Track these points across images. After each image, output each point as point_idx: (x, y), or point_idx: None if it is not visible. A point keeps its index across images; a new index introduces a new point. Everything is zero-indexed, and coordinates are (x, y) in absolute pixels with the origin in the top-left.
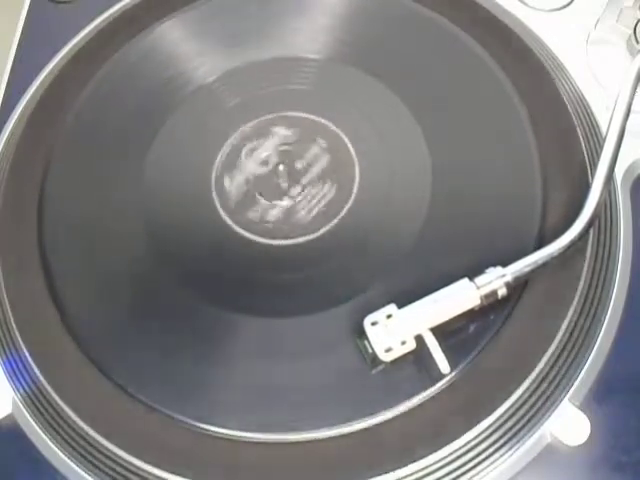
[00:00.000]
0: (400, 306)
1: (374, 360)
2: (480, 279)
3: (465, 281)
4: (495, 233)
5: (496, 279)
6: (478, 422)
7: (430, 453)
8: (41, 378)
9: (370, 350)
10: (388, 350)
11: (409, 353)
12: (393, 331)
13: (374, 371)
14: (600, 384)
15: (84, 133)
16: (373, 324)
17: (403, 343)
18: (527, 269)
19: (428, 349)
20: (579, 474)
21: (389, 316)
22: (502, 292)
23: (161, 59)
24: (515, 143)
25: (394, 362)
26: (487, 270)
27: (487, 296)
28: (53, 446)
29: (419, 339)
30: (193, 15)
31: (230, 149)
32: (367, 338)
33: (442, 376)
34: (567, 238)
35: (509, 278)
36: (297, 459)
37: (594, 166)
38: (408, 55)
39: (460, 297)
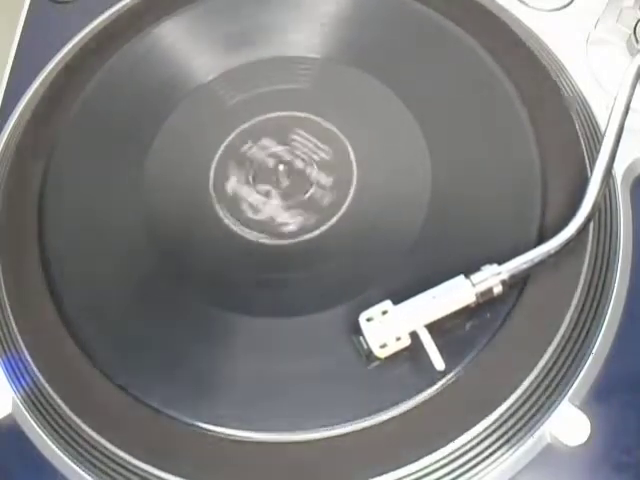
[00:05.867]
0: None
1: (369, 356)
2: (476, 276)
3: (461, 278)
4: (495, 232)
5: (492, 277)
6: (478, 422)
7: (430, 453)
8: (41, 378)
9: (365, 346)
10: (383, 346)
11: (408, 351)
12: (388, 327)
13: (369, 367)
14: (600, 384)
15: (84, 133)
16: (368, 320)
17: (398, 339)
18: (523, 267)
19: (423, 346)
20: (579, 474)
21: (384, 312)
22: (498, 290)
23: (161, 58)
24: (515, 143)
25: (393, 361)
26: (483, 267)
27: (483, 294)
28: (53, 446)
29: (415, 336)
30: (193, 15)
31: (229, 148)
32: (362, 334)
33: (441, 376)
34: (564, 236)
35: (505, 276)
36: (297, 459)
37: (594, 165)
38: (408, 55)
39: (455, 294)
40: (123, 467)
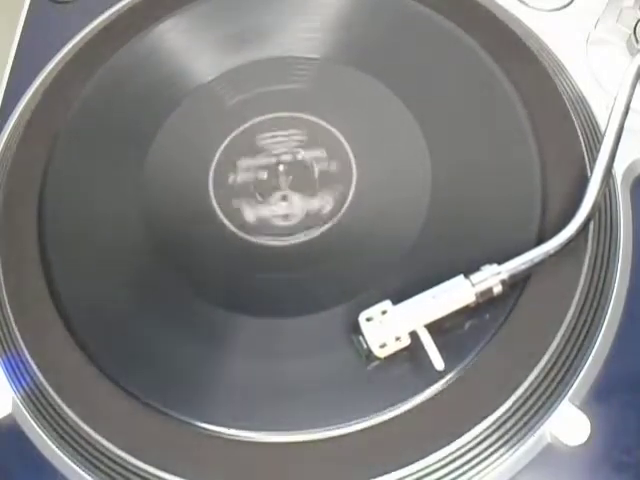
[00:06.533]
0: None
1: (369, 356)
2: (475, 276)
3: (460, 278)
4: (495, 231)
5: (491, 276)
6: (478, 422)
7: (430, 453)
8: (41, 378)
9: (365, 346)
10: (383, 346)
11: (408, 351)
12: (388, 327)
13: (369, 367)
14: (600, 384)
15: (84, 133)
16: (368, 320)
17: (397, 339)
18: (523, 267)
19: (423, 346)
20: (579, 474)
21: (384, 312)
22: (497, 290)
23: (161, 58)
24: (515, 143)
25: (393, 361)
26: (482, 267)
27: (482, 294)
28: (53, 446)
29: (415, 336)
30: (193, 15)
31: (229, 149)
32: (362, 334)
33: (442, 375)
34: (564, 236)
35: (504, 276)
36: (297, 459)
37: (594, 165)
38: (408, 55)
39: (455, 294)
40: (123, 467)
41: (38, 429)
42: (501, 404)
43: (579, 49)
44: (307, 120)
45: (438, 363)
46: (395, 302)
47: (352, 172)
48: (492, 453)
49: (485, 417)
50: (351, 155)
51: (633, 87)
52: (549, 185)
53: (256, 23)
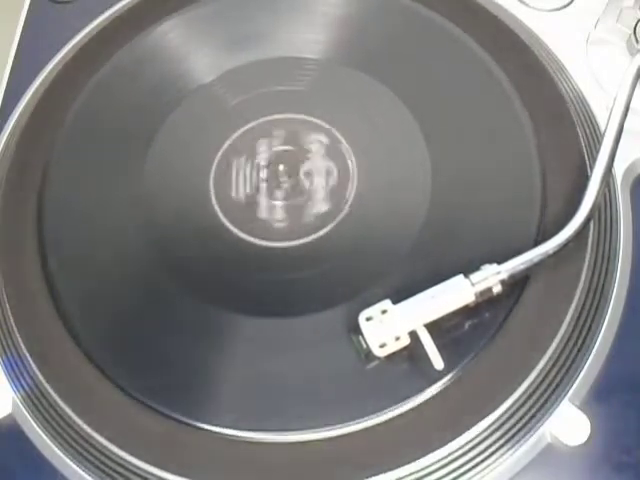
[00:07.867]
0: None
1: (368, 355)
2: (475, 276)
3: (460, 277)
4: (495, 231)
5: (491, 276)
6: (478, 422)
7: (429, 453)
8: (41, 378)
9: (364, 345)
10: (382, 345)
11: (408, 350)
12: (387, 326)
13: (369, 367)
14: (600, 384)
15: (84, 133)
16: (368, 319)
17: (397, 339)
18: (522, 267)
19: (422, 346)
20: (579, 474)
21: (384, 311)
22: (497, 289)
23: (161, 59)
24: (515, 143)
25: (392, 360)
26: (482, 267)
27: (482, 293)
28: (53, 446)
29: (414, 335)
30: (193, 15)
31: (229, 149)
32: (362, 333)
33: (441, 375)
34: (564, 236)
35: (504, 275)
36: (297, 459)
37: (594, 165)
38: (408, 55)
39: (454, 293)
40: (123, 467)
41: (38, 429)
42: (501, 404)
43: (579, 49)
44: (307, 121)
45: (438, 363)
46: (395, 301)
47: (352, 172)
48: (492, 453)
49: (485, 417)
50: (351, 155)
51: (633, 87)
52: (549, 185)
53: (257, 24)
